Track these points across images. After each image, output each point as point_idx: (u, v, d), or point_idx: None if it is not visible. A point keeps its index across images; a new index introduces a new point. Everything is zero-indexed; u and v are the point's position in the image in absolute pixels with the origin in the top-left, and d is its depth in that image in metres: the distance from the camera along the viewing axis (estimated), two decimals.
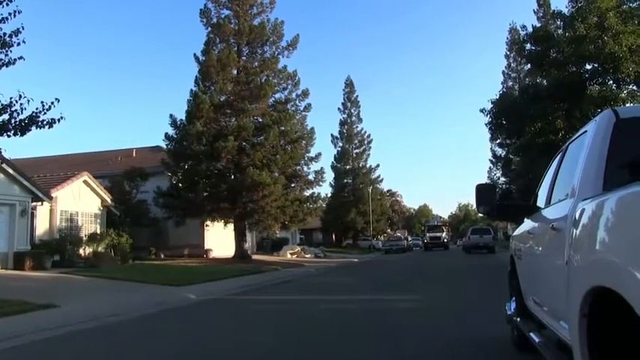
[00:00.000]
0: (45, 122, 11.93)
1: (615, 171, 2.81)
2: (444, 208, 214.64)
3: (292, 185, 32.31)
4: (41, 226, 22.89)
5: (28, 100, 11.67)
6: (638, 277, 1.55)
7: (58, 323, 8.44)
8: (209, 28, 31.23)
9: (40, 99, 11.96)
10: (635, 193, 1.83)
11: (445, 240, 59.01)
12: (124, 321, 9.29)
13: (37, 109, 11.80)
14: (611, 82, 22.33)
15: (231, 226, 30.97)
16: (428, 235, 62.58)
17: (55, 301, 10.50)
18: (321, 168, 34.14)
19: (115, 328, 8.66)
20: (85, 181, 25.66)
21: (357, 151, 65.72)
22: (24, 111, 11.73)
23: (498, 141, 40.16)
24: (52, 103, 11.88)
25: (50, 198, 22.63)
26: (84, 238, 24.20)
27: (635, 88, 22.31)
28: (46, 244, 21.36)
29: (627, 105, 19.14)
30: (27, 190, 20.98)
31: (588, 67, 23.02)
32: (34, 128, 11.93)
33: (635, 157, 2.99)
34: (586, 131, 3.45)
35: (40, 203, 22.27)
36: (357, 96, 65.84)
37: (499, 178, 45.92)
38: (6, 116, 11.67)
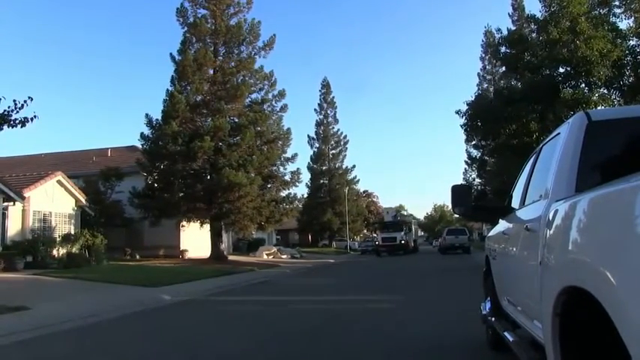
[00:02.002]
0: (17, 121, 11.68)
1: (587, 172, 2.86)
2: (420, 209, 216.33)
3: (268, 186, 32.27)
4: (13, 227, 22.42)
5: (0, 99, 11.44)
6: (608, 277, 1.57)
7: (30, 326, 8.29)
8: (185, 28, 31.05)
9: (13, 98, 11.69)
10: (605, 195, 1.87)
11: (404, 241, 44.50)
12: (97, 323, 9.17)
13: (9, 107, 11.56)
14: (583, 85, 22.64)
15: (207, 227, 30.80)
16: (380, 235, 46.98)
17: (26, 304, 10.31)
18: (298, 169, 34.24)
19: (88, 330, 8.55)
20: (58, 181, 25.27)
21: (334, 151, 65.90)
22: None
23: (473, 142, 40.46)
24: (25, 101, 11.63)
25: (23, 198, 22.21)
26: (57, 239, 23.78)
27: (605, 91, 22.69)
28: (17, 245, 20.92)
29: (599, 108, 19.44)
30: None
31: (561, 70, 23.33)
32: (5, 127, 11.69)
33: (607, 159, 3.05)
34: (559, 133, 3.50)
35: (12, 203, 21.82)
36: (334, 97, 66.10)
37: (474, 179, 46.30)
38: None
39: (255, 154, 29.61)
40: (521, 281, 3.56)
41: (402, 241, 44.08)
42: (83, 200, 26.53)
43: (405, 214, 58.18)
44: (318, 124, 65.48)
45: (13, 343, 7.23)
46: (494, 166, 35.43)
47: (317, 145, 65.27)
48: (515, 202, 4.61)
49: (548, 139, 3.98)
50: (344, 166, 66.37)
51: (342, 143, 66.09)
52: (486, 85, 46.93)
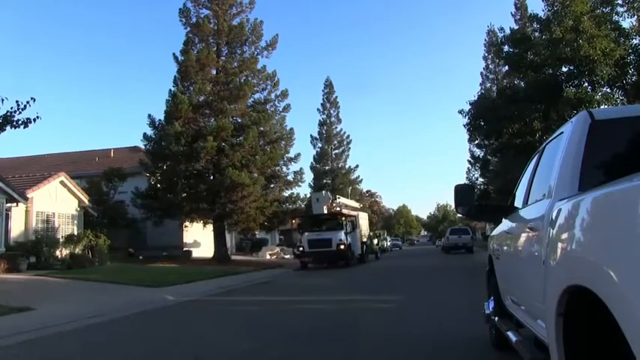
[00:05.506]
0: (20, 122, 11.69)
1: (591, 171, 2.85)
2: (423, 209, 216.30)
3: (271, 186, 32.30)
4: (16, 228, 22.45)
5: (2, 100, 11.44)
6: (612, 276, 1.57)
7: (34, 326, 8.32)
8: (188, 28, 31.08)
9: (16, 99, 11.70)
10: (609, 194, 1.86)
11: (343, 246, 27.71)
12: (101, 323, 9.19)
13: (11, 108, 11.57)
14: (586, 84, 22.60)
15: (210, 227, 30.83)
16: (305, 236, 29.15)
17: (31, 304, 10.35)
18: (301, 168, 34.21)
19: (92, 330, 8.57)
20: (61, 182, 25.28)
21: (337, 151, 65.93)
22: None
23: (476, 142, 40.34)
24: (28, 102, 11.64)
25: (26, 199, 22.23)
26: (61, 240, 23.77)
27: (608, 90, 22.64)
28: (21, 246, 20.95)
29: (602, 107, 19.40)
30: (1, 191, 20.61)
31: (564, 69, 23.28)
32: (8, 128, 11.71)
33: (610, 158, 3.04)
34: (562, 132, 3.49)
35: (15, 204, 21.85)
36: (337, 97, 66.13)
37: (477, 179, 46.13)
38: None
39: (258, 154, 29.62)
40: (524, 280, 3.55)
41: (342, 246, 27.85)
42: (86, 201, 26.54)
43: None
44: (321, 124, 65.55)
45: (18, 343, 7.25)
46: (497, 165, 35.35)
47: (320, 145, 65.32)
48: (518, 202, 4.60)
49: (551, 139, 3.97)
50: (347, 166, 66.42)
51: (344, 143, 66.14)
52: (489, 85, 46.76)
